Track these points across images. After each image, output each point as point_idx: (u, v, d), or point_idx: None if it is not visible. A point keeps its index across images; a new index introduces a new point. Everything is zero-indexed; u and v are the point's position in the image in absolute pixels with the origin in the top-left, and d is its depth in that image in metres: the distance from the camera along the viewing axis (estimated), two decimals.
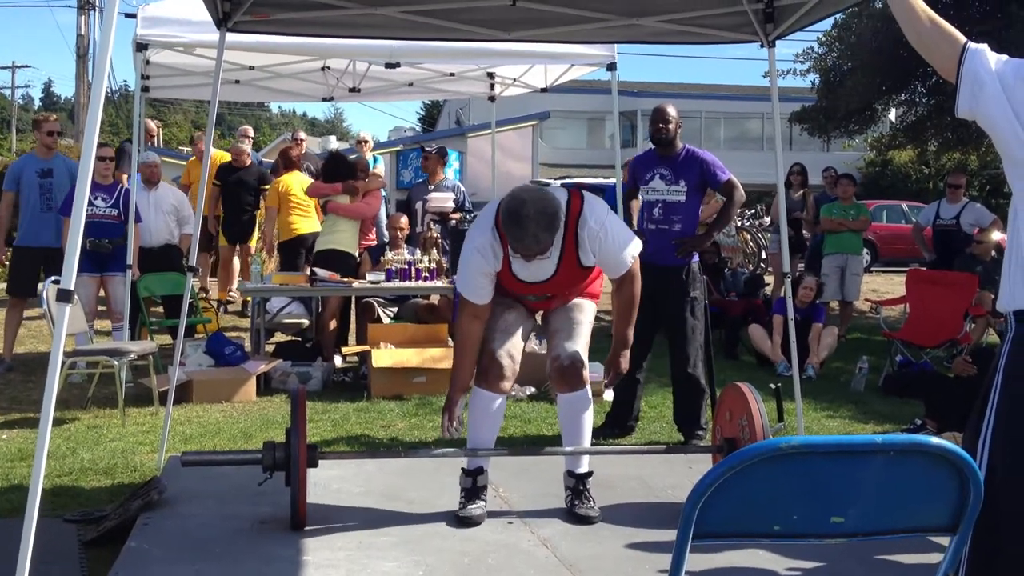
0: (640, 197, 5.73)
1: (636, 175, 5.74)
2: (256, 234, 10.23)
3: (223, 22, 4.85)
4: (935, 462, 1.77)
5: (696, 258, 5.61)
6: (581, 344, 4.16)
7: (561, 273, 4.01)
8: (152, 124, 10.63)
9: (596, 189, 16.14)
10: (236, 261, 10.27)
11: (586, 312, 4.24)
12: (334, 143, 23.98)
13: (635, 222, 5.80)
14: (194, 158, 10.72)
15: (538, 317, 4.42)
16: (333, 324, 7.97)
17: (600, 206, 3.98)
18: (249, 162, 10.15)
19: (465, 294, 3.99)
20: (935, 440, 1.75)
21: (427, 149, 9.73)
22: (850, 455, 1.75)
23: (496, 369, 4.08)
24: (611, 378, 4.32)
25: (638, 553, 3.74)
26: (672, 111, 5.57)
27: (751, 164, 23.87)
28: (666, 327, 5.64)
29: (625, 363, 4.28)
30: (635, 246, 4.04)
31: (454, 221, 8.92)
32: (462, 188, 9.51)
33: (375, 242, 8.54)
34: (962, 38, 2.46)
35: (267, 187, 9.96)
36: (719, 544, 1.84)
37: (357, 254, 8.00)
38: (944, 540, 1.93)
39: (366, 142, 10.60)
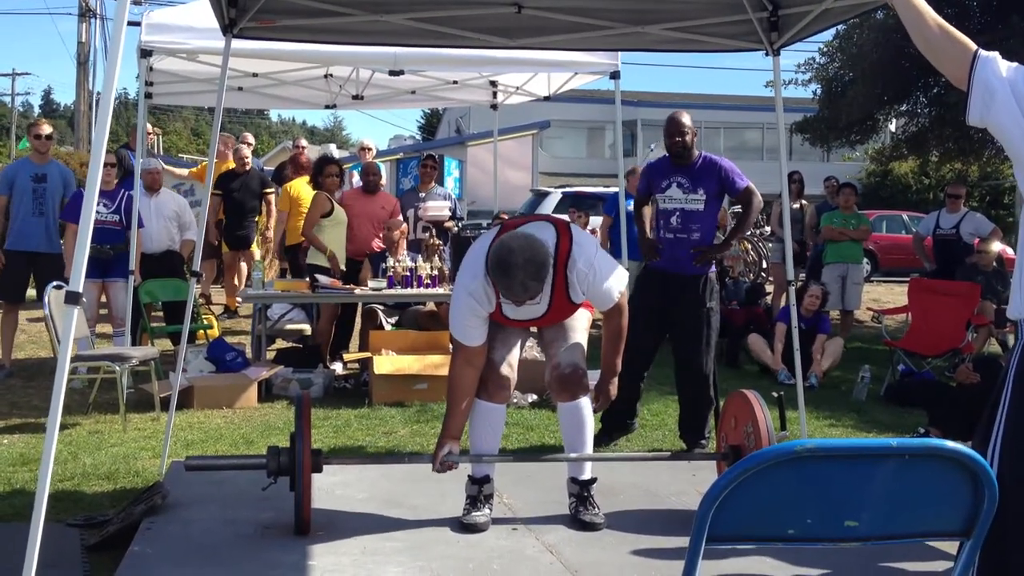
0: (656, 204, 5.61)
1: (651, 182, 5.62)
2: (257, 239, 10.22)
3: (229, 28, 4.85)
4: (949, 466, 1.77)
5: (713, 268, 5.53)
6: (579, 352, 4.17)
7: (551, 313, 4.03)
8: (148, 127, 10.59)
9: (597, 197, 16.17)
10: (244, 267, 10.28)
11: (580, 320, 4.24)
12: (334, 151, 23.97)
13: (648, 230, 5.72)
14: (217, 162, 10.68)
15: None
16: (330, 331, 7.99)
17: (589, 244, 3.97)
18: (250, 167, 10.15)
19: (460, 338, 3.97)
20: (950, 444, 1.75)
21: (434, 157, 9.82)
22: (864, 458, 1.75)
23: (497, 379, 4.08)
24: (600, 404, 4.29)
25: (643, 559, 3.73)
26: (687, 120, 5.44)
27: (751, 174, 23.75)
28: (678, 336, 5.52)
29: (614, 390, 4.26)
30: (622, 281, 4.03)
31: (456, 229, 8.92)
32: (452, 196, 9.55)
33: (380, 249, 8.51)
34: (972, 45, 2.46)
35: (269, 190, 9.97)
36: (732, 547, 1.82)
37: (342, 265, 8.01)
38: (948, 547, 1.92)
39: (368, 149, 10.59)
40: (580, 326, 4.22)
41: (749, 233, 15.18)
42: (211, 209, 9.79)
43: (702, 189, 5.42)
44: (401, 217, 8.51)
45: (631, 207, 6.40)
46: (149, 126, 10.61)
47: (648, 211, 5.79)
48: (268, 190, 9.99)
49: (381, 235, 8.28)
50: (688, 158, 5.46)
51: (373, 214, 8.19)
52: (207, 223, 9.78)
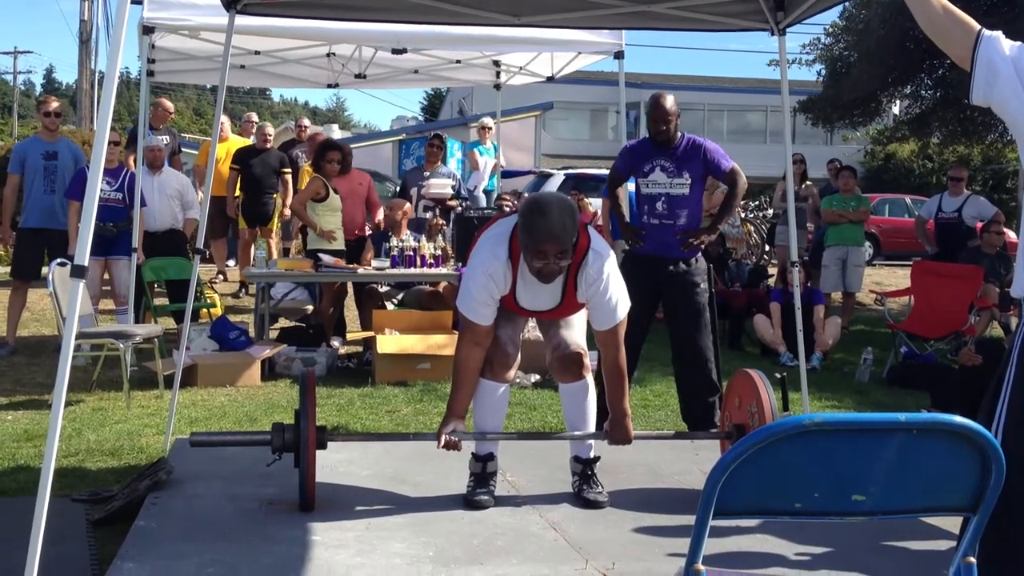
0: (637, 189, 5.40)
1: (632, 165, 5.38)
2: (276, 217, 10.22)
3: (232, 3, 4.84)
4: (957, 441, 1.77)
5: (701, 251, 5.37)
6: (580, 332, 4.16)
7: (564, 306, 3.99)
8: (167, 102, 10.57)
9: (600, 179, 16.14)
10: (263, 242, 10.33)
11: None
12: (336, 132, 23.95)
13: (626, 212, 5.56)
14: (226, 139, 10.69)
15: None
16: (332, 311, 8.00)
17: (605, 251, 3.88)
18: (271, 145, 10.17)
19: (469, 315, 3.93)
20: (958, 419, 1.75)
21: (441, 136, 9.79)
22: (872, 433, 1.75)
23: (501, 357, 4.07)
24: (617, 442, 4.13)
25: (647, 537, 3.74)
26: (670, 105, 5.15)
27: (753, 156, 23.83)
28: (673, 322, 5.31)
29: (631, 432, 4.11)
30: (626, 306, 3.95)
31: (460, 209, 8.91)
32: (458, 176, 9.55)
33: (370, 231, 8.48)
34: (976, 25, 2.47)
35: (286, 170, 9.96)
36: (737, 524, 1.83)
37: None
38: (951, 526, 1.92)
39: (489, 128, 10.84)
40: (579, 310, 4.21)
41: (752, 216, 15.19)
42: (230, 183, 9.85)
43: (687, 173, 5.19)
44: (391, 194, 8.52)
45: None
46: (171, 104, 10.63)
47: (622, 193, 5.58)
48: (285, 169, 9.98)
49: (367, 213, 8.27)
50: (671, 141, 5.23)
51: (354, 191, 8.13)
52: (228, 197, 9.88)
